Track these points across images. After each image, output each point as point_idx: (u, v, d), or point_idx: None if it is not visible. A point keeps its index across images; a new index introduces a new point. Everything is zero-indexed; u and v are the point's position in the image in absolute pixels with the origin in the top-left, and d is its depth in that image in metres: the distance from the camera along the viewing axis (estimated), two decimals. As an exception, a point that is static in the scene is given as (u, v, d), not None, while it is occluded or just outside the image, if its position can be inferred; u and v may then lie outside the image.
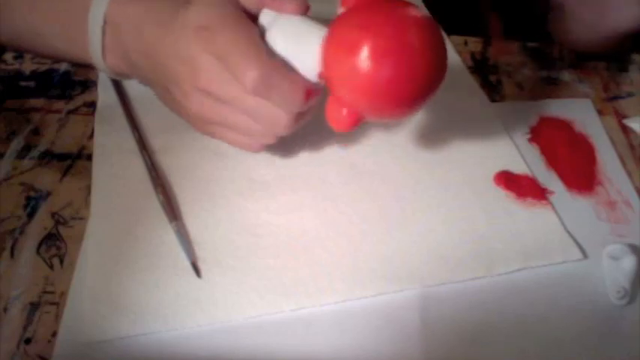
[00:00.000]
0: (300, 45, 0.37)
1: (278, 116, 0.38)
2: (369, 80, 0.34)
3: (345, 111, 0.37)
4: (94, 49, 0.42)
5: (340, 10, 0.37)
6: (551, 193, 0.44)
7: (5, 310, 0.36)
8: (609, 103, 0.52)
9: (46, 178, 0.43)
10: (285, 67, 0.37)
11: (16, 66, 0.52)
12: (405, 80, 0.35)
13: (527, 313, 0.37)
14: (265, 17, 0.39)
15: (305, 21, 0.38)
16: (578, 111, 0.50)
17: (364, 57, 0.34)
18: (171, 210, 0.40)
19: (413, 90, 0.35)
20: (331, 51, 0.36)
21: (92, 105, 0.48)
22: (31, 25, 0.44)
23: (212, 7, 0.37)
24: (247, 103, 0.38)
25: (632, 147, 0.48)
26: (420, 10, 0.36)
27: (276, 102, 0.37)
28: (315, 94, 0.38)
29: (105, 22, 0.41)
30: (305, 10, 0.38)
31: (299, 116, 0.39)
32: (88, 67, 0.46)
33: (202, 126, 0.41)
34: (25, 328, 0.35)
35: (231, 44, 0.36)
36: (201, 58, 0.37)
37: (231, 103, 0.38)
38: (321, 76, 0.37)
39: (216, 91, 0.38)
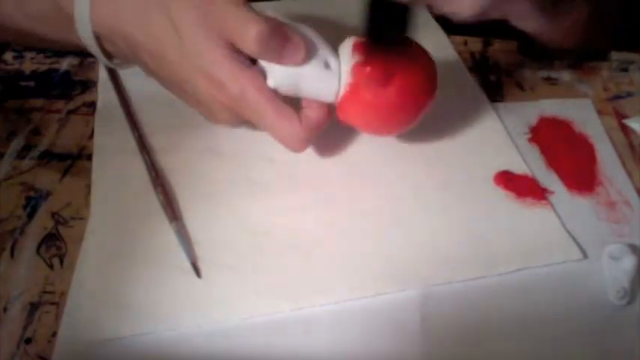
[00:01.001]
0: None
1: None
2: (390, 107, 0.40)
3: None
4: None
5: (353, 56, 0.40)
6: (551, 193, 0.44)
7: (5, 310, 0.36)
8: (609, 103, 0.52)
9: (46, 178, 0.43)
10: None
11: (16, 66, 0.52)
12: (413, 110, 0.42)
13: (527, 313, 0.37)
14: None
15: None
16: (578, 111, 0.50)
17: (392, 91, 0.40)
18: (172, 210, 0.40)
19: (415, 114, 0.42)
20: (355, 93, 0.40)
21: (92, 105, 0.49)
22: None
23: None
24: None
25: (632, 147, 0.48)
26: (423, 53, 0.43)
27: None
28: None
29: None
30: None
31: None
32: (88, 66, 0.46)
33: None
34: (25, 328, 0.35)
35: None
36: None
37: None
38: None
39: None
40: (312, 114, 0.40)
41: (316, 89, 0.40)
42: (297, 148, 0.40)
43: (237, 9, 0.37)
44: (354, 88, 0.40)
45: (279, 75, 0.38)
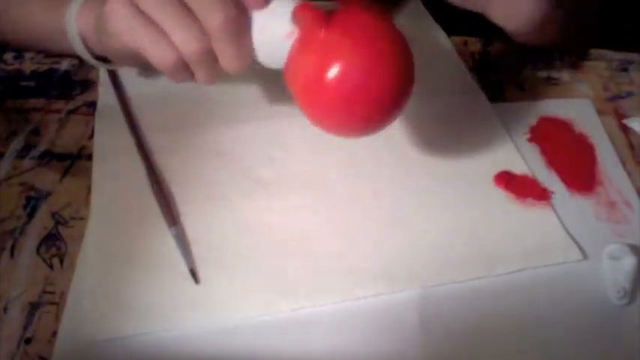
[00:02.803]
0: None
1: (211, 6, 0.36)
2: (331, 92, 0.34)
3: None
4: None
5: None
6: (551, 193, 0.44)
7: (5, 310, 0.36)
8: (609, 103, 0.52)
9: (46, 178, 0.43)
10: None
11: (16, 66, 0.52)
12: (363, 101, 0.35)
13: (527, 313, 0.37)
14: None
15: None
16: (578, 111, 0.50)
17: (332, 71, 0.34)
18: (170, 215, 0.40)
19: (369, 109, 0.35)
20: (297, 56, 0.35)
21: (92, 105, 0.48)
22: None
23: None
24: None
25: (632, 147, 0.48)
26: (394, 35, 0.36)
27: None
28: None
29: None
30: None
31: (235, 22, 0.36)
32: (88, 66, 0.46)
33: (123, 24, 0.38)
34: (25, 328, 0.35)
35: None
36: None
37: None
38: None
39: None
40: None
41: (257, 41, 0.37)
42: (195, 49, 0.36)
43: None
44: (297, 42, 0.35)
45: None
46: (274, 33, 0.36)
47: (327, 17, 0.35)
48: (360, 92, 0.34)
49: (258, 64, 0.38)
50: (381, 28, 0.35)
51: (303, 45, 0.35)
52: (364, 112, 0.35)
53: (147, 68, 0.49)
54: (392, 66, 0.35)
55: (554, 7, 0.46)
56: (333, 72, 0.34)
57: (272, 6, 0.36)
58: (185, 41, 0.36)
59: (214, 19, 0.35)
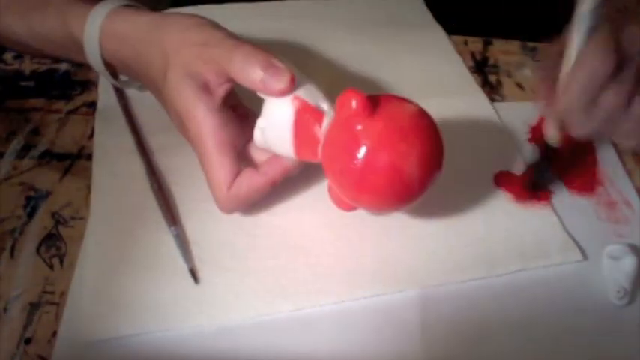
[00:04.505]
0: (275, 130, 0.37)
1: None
2: (358, 182, 0.35)
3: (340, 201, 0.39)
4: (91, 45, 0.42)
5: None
6: (552, 193, 0.44)
7: (5, 310, 0.36)
8: (609, 103, 0.52)
9: (46, 178, 0.43)
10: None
11: (16, 66, 0.52)
12: (394, 187, 0.35)
13: (527, 313, 0.37)
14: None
15: (283, 103, 0.37)
16: (578, 111, 0.50)
17: (360, 161, 0.34)
18: (170, 215, 0.40)
19: (402, 193, 0.36)
20: (329, 151, 0.36)
21: (92, 105, 0.49)
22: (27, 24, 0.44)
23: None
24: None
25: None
26: (422, 116, 0.36)
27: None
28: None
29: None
30: (289, 88, 0.37)
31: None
32: (88, 67, 0.46)
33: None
34: (25, 328, 0.35)
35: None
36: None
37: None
38: (300, 157, 0.38)
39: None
40: (247, 178, 0.38)
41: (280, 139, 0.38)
42: (220, 206, 0.39)
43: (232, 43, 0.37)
44: (326, 140, 0.36)
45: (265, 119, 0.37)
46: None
47: (372, 103, 0.35)
48: (393, 181, 0.35)
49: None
50: (418, 118, 0.36)
51: (340, 130, 0.36)
52: (392, 196, 0.36)
53: None
54: (425, 159, 0.35)
55: None
56: (369, 159, 0.34)
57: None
58: None
59: None
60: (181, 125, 0.39)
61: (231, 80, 0.38)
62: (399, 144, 0.34)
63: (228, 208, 0.39)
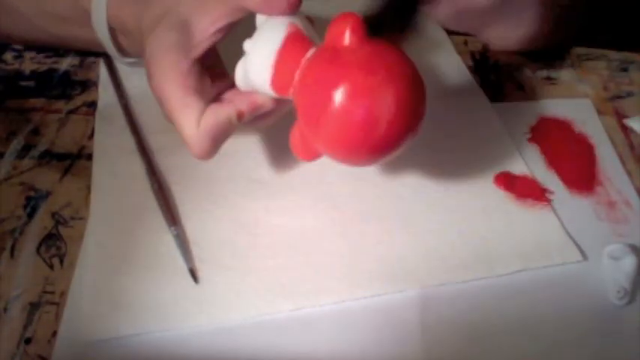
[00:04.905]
0: (258, 53, 0.36)
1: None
2: (338, 119, 0.33)
3: (300, 148, 0.37)
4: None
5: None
6: (551, 193, 0.44)
7: (5, 310, 0.36)
8: (609, 103, 0.52)
9: (46, 178, 0.43)
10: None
11: (16, 66, 0.52)
12: (373, 130, 0.33)
13: (527, 314, 0.37)
14: (259, 18, 0.37)
15: (277, 27, 0.35)
16: (578, 111, 0.50)
17: (340, 96, 0.32)
18: (170, 215, 0.40)
19: (379, 141, 0.33)
20: (305, 83, 0.34)
21: (92, 105, 0.48)
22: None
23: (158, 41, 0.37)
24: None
25: (632, 147, 0.48)
26: (406, 63, 0.34)
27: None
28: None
29: None
30: (293, 9, 0.36)
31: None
32: (88, 66, 0.46)
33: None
34: (25, 328, 0.35)
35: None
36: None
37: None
38: (275, 88, 0.36)
39: None
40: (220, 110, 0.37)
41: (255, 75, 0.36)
42: (193, 151, 0.37)
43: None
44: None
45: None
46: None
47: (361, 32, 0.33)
48: (370, 124, 0.33)
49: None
50: (406, 71, 0.34)
51: (321, 61, 0.34)
52: (373, 143, 0.34)
53: None
54: (404, 115, 0.33)
55: (546, 23, 0.47)
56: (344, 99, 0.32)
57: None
58: None
59: None
60: (150, 77, 0.38)
61: (222, 29, 0.37)
62: (379, 92, 0.32)
63: (200, 149, 0.36)
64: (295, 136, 0.37)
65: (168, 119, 0.37)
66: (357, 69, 0.33)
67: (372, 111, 0.32)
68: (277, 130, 0.47)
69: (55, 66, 0.52)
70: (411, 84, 0.34)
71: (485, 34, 0.48)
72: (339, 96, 0.32)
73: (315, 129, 0.34)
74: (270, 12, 0.36)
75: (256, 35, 0.36)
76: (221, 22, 0.37)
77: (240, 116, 0.37)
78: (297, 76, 0.35)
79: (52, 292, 0.37)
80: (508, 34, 0.48)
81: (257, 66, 0.36)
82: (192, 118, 0.36)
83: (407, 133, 0.34)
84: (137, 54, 0.44)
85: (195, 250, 0.39)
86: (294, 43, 0.35)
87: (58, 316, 0.36)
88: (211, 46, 0.38)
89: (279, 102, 0.38)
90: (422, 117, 0.35)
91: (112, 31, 0.44)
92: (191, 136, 0.36)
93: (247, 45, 0.36)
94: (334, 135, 0.33)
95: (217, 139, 0.37)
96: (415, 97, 0.34)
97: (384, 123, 0.33)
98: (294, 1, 0.35)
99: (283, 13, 0.35)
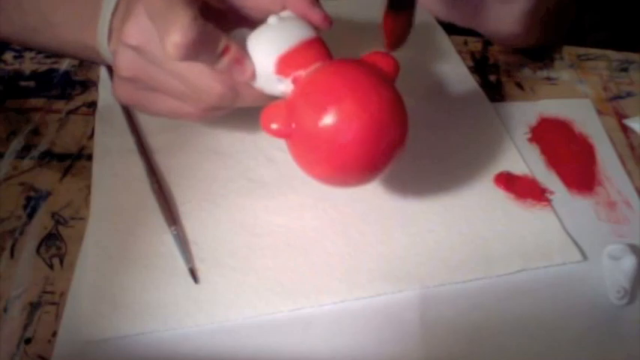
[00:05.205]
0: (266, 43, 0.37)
1: (208, 84, 0.37)
2: (329, 139, 0.34)
3: (282, 118, 0.36)
4: (102, 31, 0.41)
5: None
6: (552, 193, 0.44)
7: (5, 310, 0.36)
8: (609, 103, 0.52)
9: (46, 178, 0.43)
10: (213, 32, 0.36)
11: (16, 66, 0.52)
12: (362, 152, 0.34)
13: (527, 314, 0.37)
14: (272, 19, 0.38)
15: (308, 26, 0.38)
16: (578, 111, 0.50)
17: (328, 118, 0.34)
18: (170, 215, 0.40)
19: (368, 160, 0.35)
20: (300, 102, 0.35)
21: (92, 105, 0.49)
22: (41, 12, 0.44)
23: None
24: (176, 66, 0.37)
25: (632, 147, 0.48)
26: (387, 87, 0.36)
27: (204, 67, 0.36)
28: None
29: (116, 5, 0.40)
30: (327, 26, 0.39)
31: (233, 89, 0.37)
32: (91, 63, 0.46)
33: (132, 93, 0.40)
34: (25, 328, 0.35)
35: (163, 4, 0.34)
36: (136, 12, 0.36)
37: (160, 64, 0.37)
38: (279, 63, 0.37)
39: (145, 49, 0.36)
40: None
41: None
42: (172, 52, 0.34)
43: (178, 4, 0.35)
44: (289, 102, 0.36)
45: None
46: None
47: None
48: (350, 152, 0.34)
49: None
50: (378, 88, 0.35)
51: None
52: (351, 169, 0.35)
53: None
54: (385, 129, 0.35)
55: (538, 15, 0.46)
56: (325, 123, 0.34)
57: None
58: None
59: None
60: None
61: None
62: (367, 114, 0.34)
63: (184, 39, 0.34)
64: (272, 111, 0.36)
65: (156, 22, 0.35)
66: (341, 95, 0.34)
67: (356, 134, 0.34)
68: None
69: (55, 66, 0.52)
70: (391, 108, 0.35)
71: (480, 20, 0.47)
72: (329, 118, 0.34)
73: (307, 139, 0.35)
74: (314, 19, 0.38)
75: (287, 17, 0.38)
76: None
77: (226, 48, 0.36)
78: (302, 72, 0.36)
79: (52, 292, 0.37)
80: (503, 14, 0.47)
81: (279, 38, 0.37)
82: (183, 14, 0.34)
83: (388, 158, 0.36)
84: None
85: (195, 249, 0.39)
86: (321, 45, 0.37)
87: (58, 316, 0.36)
88: None
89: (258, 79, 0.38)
90: (405, 133, 0.36)
91: None
92: (178, 25, 0.33)
93: (273, 20, 0.38)
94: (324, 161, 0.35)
95: (200, 43, 0.34)
96: (396, 125, 0.35)
97: (373, 143, 0.34)
98: (330, 21, 0.39)
99: (322, 25, 0.39)
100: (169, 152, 0.45)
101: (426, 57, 0.55)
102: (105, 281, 0.37)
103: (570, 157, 0.47)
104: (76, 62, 0.52)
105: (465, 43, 0.57)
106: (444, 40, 0.57)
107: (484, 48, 0.57)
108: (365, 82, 0.35)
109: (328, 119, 0.34)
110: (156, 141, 0.46)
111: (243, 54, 0.37)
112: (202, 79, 0.37)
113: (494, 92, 0.52)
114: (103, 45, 0.42)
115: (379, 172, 0.36)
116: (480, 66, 0.55)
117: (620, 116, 0.51)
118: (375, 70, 0.36)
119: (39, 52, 0.52)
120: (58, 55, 0.52)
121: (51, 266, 0.38)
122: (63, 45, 0.45)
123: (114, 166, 0.44)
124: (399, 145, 0.36)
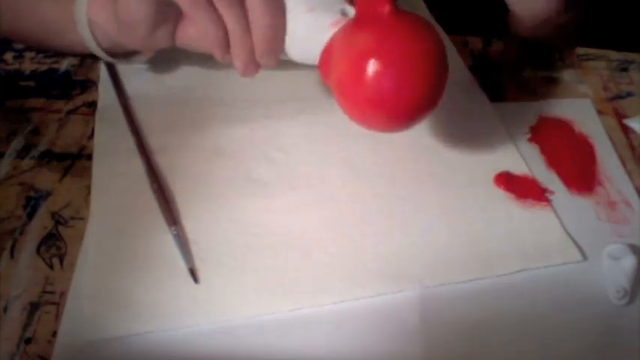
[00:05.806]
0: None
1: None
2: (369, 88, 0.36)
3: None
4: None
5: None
6: (552, 193, 0.44)
7: (5, 310, 0.36)
8: (609, 103, 0.52)
9: (46, 178, 0.43)
10: None
11: (16, 66, 0.52)
12: (400, 98, 0.37)
13: (527, 314, 0.37)
14: None
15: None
16: (578, 111, 0.50)
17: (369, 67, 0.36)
18: (170, 215, 0.40)
19: (405, 108, 0.38)
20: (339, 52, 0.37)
21: (92, 105, 0.48)
22: None
23: None
24: None
25: (632, 147, 0.48)
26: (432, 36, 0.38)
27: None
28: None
29: None
30: None
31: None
32: (91, 63, 0.46)
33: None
34: (25, 328, 0.35)
35: None
36: None
37: None
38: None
39: None
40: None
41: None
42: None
43: None
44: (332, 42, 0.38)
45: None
46: (319, 22, 0.39)
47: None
48: (400, 91, 0.36)
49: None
50: (425, 30, 0.38)
51: (357, 28, 0.38)
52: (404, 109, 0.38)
53: (156, 62, 0.50)
54: (431, 68, 0.37)
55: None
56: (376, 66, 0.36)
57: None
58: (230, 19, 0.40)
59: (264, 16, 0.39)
60: None
61: None
62: (407, 62, 0.36)
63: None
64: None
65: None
66: (387, 38, 0.36)
67: (398, 80, 0.36)
68: (277, 130, 0.47)
69: (55, 66, 0.52)
70: (437, 57, 0.38)
71: None
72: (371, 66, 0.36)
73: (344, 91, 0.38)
74: None
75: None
76: None
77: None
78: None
79: (52, 292, 0.37)
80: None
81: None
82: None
83: (430, 104, 0.38)
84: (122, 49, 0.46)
85: (195, 249, 0.39)
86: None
87: (58, 316, 0.36)
88: None
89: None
90: (443, 89, 0.38)
91: (95, 32, 0.45)
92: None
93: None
94: (363, 99, 0.37)
95: None
96: (439, 70, 0.38)
97: (409, 93, 0.36)
98: None
99: None
100: (169, 152, 0.45)
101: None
102: (105, 281, 0.37)
103: (570, 157, 0.47)
104: (76, 62, 0.52)
105: (465, 42, 0.57)
106: (444, 39, 0.57)
107: (484, 47, 0.57)
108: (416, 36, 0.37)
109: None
110: (156, 141, 0.46)
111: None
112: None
113: (494, 92, 0.52)
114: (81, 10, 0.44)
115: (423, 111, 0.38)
116: (480, 66, 0.55)
117: (620, 116, 0.51)
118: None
119: (39, 51, 0.52)
120: (58, 54, 0.52)
121: (51, 266, 0.38)
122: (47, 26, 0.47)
123: (114, 166, 0.44)
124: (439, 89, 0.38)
